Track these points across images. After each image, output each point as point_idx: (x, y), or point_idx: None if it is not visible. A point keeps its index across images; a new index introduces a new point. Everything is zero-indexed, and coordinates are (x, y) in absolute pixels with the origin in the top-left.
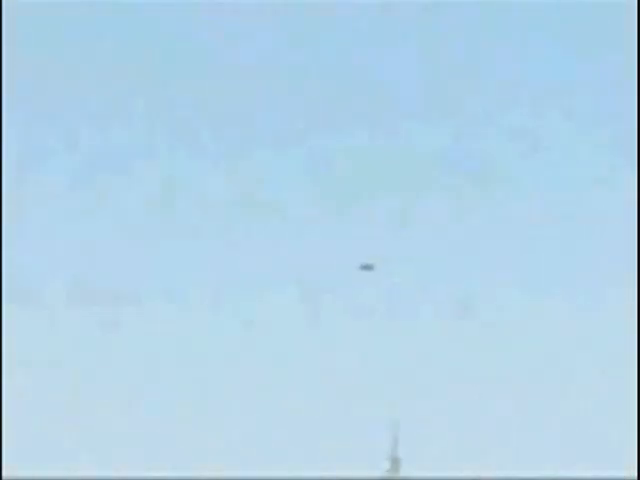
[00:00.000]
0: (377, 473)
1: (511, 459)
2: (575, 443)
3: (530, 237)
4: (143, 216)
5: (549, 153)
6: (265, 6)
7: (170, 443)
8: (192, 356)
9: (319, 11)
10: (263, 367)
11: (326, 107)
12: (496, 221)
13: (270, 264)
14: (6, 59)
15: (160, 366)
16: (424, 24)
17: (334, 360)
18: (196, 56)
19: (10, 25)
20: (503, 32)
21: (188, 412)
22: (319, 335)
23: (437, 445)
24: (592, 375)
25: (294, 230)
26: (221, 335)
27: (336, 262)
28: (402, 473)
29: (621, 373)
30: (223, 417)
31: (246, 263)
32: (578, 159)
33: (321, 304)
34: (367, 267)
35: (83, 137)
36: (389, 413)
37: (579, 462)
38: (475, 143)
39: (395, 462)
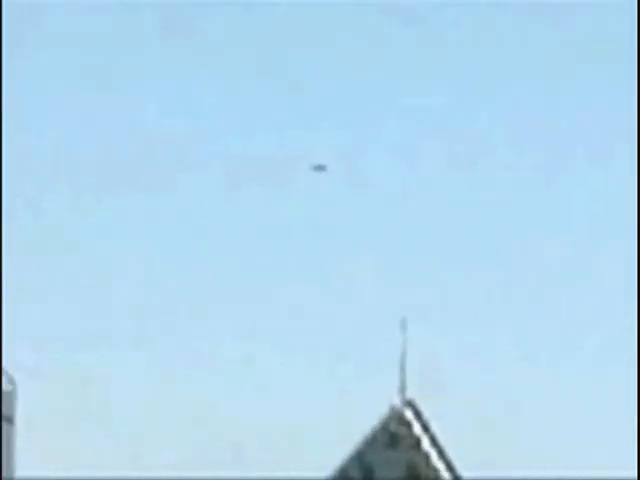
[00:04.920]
0: None
1: (510, 459)
2: (575, 443)
3: None
4: None
5: None
6: None
7: None
8: None
9: None
10: None
11: None
12: None
13: None
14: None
15: None
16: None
17: None
18: None
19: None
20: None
21: None
22: None
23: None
24: (592, 374)
25: None
26: None
27: None
28: None
29: (621, 373)
30: None
31: None
32: None
33: None
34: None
35: None
36: None
37: (579, 462)
38: None
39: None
